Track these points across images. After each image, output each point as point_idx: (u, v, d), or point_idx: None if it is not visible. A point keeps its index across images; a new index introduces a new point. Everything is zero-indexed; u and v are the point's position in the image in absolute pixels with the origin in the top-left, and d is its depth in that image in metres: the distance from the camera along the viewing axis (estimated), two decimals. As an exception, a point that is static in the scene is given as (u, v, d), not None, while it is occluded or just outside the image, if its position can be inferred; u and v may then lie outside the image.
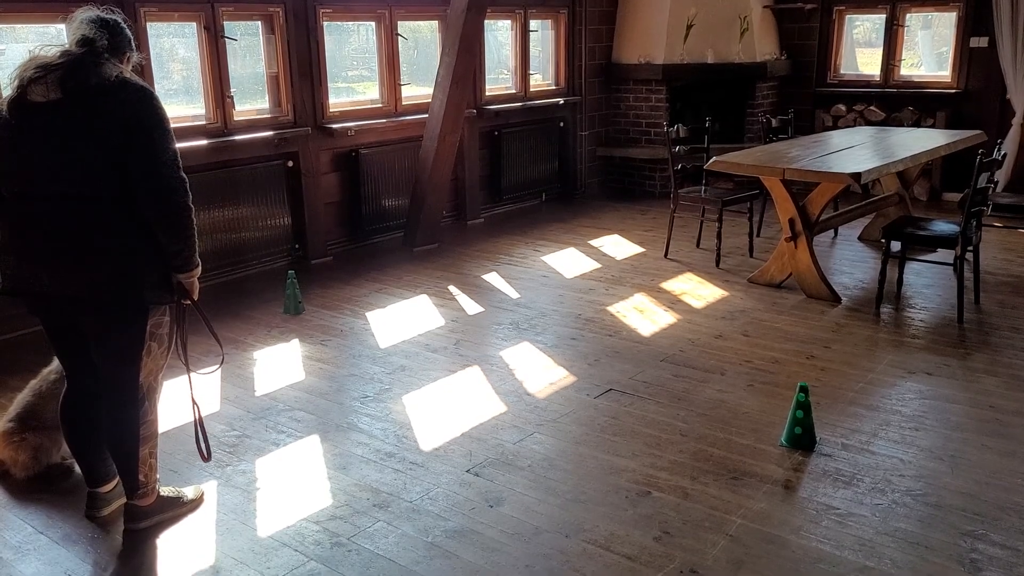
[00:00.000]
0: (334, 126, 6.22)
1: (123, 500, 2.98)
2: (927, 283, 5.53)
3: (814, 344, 4.53)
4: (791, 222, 5.24)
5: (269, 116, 5.97)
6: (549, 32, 8.18)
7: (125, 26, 2.77)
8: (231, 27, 5.63)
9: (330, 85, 6.29)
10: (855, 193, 7.29)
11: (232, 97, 5.68)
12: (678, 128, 6.23)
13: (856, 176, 4.75)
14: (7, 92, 2.64)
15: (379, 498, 3.12)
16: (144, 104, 2.62)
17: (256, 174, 5.81)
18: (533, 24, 7.84)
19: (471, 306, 5.28)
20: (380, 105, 6.68)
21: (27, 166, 2.62)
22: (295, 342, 4.72)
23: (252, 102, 6.01)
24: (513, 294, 5.51)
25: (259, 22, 5.86)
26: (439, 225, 6.79)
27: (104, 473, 3.04)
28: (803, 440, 3.42)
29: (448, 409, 3.85)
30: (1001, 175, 7.62)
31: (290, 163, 6.03)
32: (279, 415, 3.82)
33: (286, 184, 6.01)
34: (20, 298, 2.76)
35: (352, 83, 6.91)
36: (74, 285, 2.65)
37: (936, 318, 4.90)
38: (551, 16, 8.10)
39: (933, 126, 7.75)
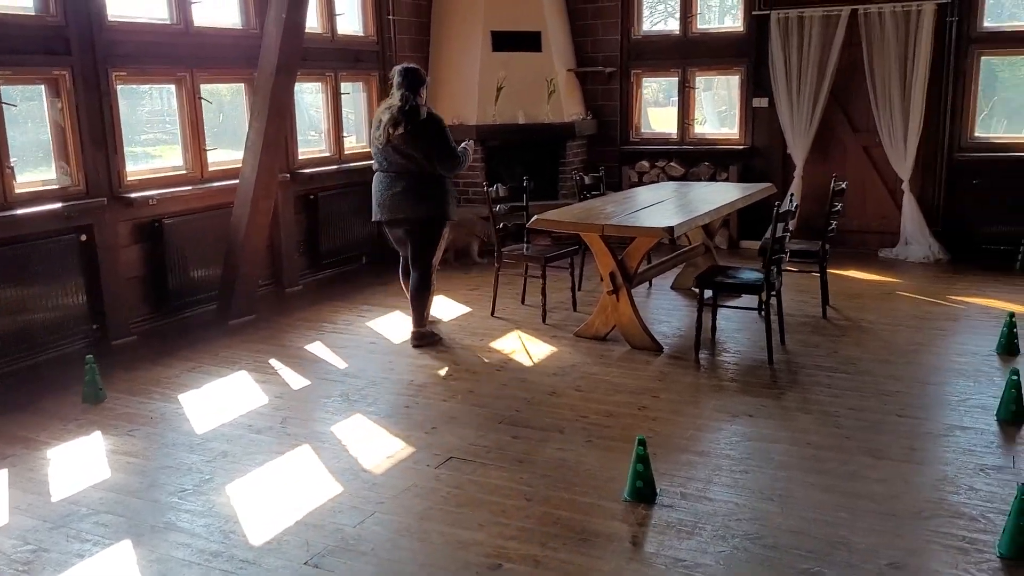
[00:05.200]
0: (133, 195, 5.79)
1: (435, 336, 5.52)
2: (736, 327, 5.86)
3: (643, 395, 4.64)
4: (612, 276, 5.40)
5: (57, 187, 5.46)
6: (361, 95, 8.11)
7: None
8: (8, 92, 5.13)
9: (127, 152, 5.86)
10: (665, 245, 7.66)
11: (12, 168, 5.15)
12: (497, 188, 6.30)
13: (669, 230, 4.97)
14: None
15: (207, 606, 2.82)
16: None
17: (44, 250, 5.27)
18: (345, 87, 7.75)
19: (296, 380, 5.01)
20: (184, 172, 6.31)
21: None
22: (97, 435, 4.25)
23: (38, 172, 5.48)
24: (340, 364, 5.29)
25: (42, 86, 5.38)
26: (255, 295, 6.45)
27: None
28: (645, 493, 3.45)
29: (279, 495, 3.58)
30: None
31: (84, 237, 5.53)
32: (82, 521, 3.39)
33: (80, 260, 5.50)
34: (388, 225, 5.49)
35: (152, 148, 6.50)
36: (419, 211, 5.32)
37: (748, 360, 5.18)
38: (362, 79, 8.05)
39: (727, 179, 8.33)
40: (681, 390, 4.72)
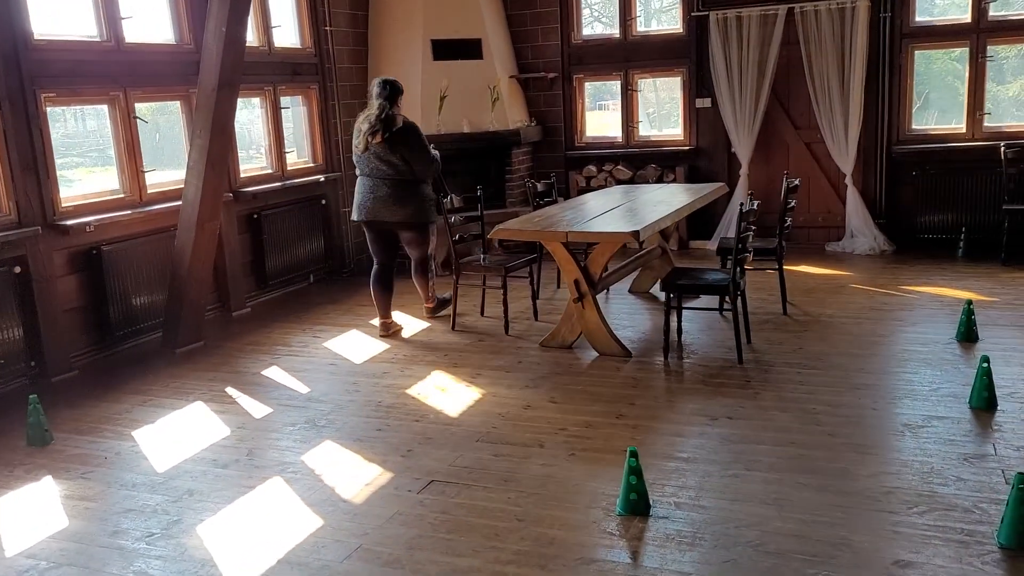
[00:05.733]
0: (69, 223, 5.48)
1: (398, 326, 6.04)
2: (698, 328, 5.84)
3: (619, 402, 4.56)
4: (576, 283, 5.32)
5: (-13, 217, 5.14)
6: (301, 108, 7.88)
7: None
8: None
9: (60, 177, 5.55)
10: (620, 250, 7.62)
11: (-63, 198, 4.82)
12: (451, 198, 6.18)
13: (635, 234, 4.91)
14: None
15: (193, 661, 2.62)
16: None
17: (-24, 285, 4.94)
18: (284, 100, 7.51)
19: (257, 408, 4.79)
20: (122, 195, 6.00)
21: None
22: (48, 480, 3.97)
23: (-37, 202, 5.14)
24: (301, 388, 5.09)
25: (-35, 110, 5.05)
26: (203, 321, 6.18)
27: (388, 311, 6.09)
28: (639, 506, 3.36)
29: (255, 534, 3.38)
30: (734, 221, 8.35)
31: (18, 269, 5.20)
32: (43, 577, 3.15)
33: (14, 293, 5.17)
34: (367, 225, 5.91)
35: (87, 172, 6.17)
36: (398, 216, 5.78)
37: (718, 361, 5.15)
38: (302, 92, 7.83)
39: (674, 181, 8.36)
40: (656, 395, 4.66)
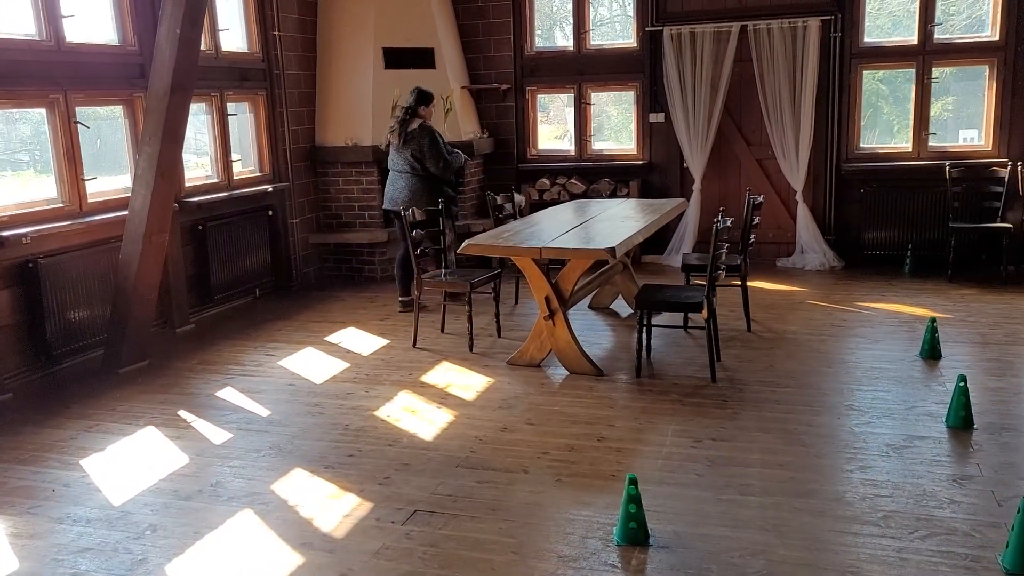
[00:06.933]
0: (4, 234, 5.09)
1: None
2: (664, 344, 5.79)
3: (598, 424, 4.45)
4: (547, 300, 5.20)
5: (-87, 227, 4.72)
6: (248, 116, 7.57)
7: None
8: None
9: (-6, 184, 5.17)
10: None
11: None
12: (413, 211, 5.99)
13: (612, 251, 4.82)
14: None
15: None
16: None
17: (-99, 301, 4.53)
18: (231, 107, 7.20)
19: (215, 433, 4.51)
20: (61, 205, 5.62)
21: None
22: (-10, 516, 3.64)
23: None
24: (261, 411, 4.82)
25: None
26: (148, 338, 5.83)
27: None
28: (638, 535, 3.24)
29: (230, 573, 3.14)
30: (688, 237, 8.39)
31: (-53, 283, 4.81)
32: (-4, 630, 2.84)
33: (-56, 310, 4.78)
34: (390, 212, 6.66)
35: (19, 179, 5.77)
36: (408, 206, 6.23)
37: (691, 379, 5.09)
38: (249, 98, 7.52)
39: (628, 195, 8.33)
40: (635, 416, 4.56)
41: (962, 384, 4.21)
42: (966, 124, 8.44)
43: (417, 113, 6.62)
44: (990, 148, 7.74)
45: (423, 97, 6.67)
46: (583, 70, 8.61)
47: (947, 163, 7.61)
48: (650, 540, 3.25)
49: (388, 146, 6.77)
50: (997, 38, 7.58)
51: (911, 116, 7.94)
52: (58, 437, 4.50)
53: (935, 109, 8.02)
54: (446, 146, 6.72)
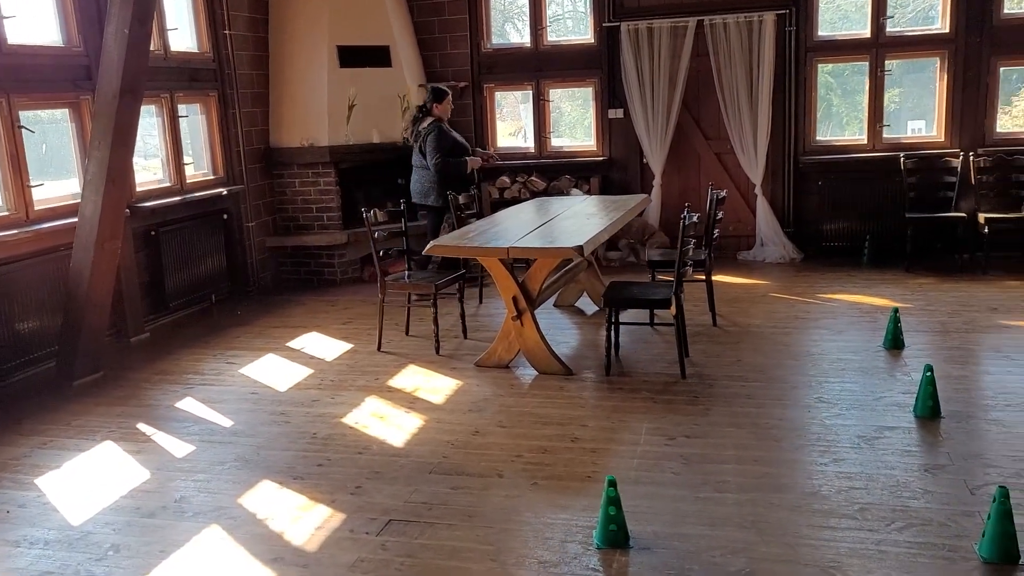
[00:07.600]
0: (-54, 244, 4.89)
1: None
2: (631, 341, 5.76)
3: (571, 424, 4.41)
4: (514, 300, 5.14)
5: None
6: (200, 117, 7.38)
7: None
8: None
9: (-66, 193, 4.94)
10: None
11: None
12: (374, 212, 5.88)
13: (579, 249, 4.78)
14: None
15: None
16: None
17: None
18: (182, 109, 7.00)
19: (177, 446, 4.36)
20: (6, 213, 5.41)
21: None
22: (-60, 542, 3.47)
23: None
24: (223, 421, 4.68)
25: None
26: (102, 349, 5.64)
27: None
28: (619, 537, 3.20)
29: (201, 594, 3.03)
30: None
31: None
32: (-49, 664, 2.70)
33: None
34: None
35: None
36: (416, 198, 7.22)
37: (661, 376, 5.08)
38: (200, 99, 7.32)
39: (589, 191, 8.31)
40: (607, 415, 4.53)
41: (929, 374, 4.25)
42: (913, 115, 8.59)
43: (431, 111, 7.08)
44: (942, 139, 7.88)
45: (436, 94, 7.15)
46: (541, 67, 8.56)
47: (901, 154, 7.72)
48: (630, 542, 3.21)
49: (404, 143, 7.51)
50: (947, 30, 7.71)
51: (865, 108, 8.04)
52: (10, 455, 4.31)
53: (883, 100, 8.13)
54: (457, 146, 7.13)
